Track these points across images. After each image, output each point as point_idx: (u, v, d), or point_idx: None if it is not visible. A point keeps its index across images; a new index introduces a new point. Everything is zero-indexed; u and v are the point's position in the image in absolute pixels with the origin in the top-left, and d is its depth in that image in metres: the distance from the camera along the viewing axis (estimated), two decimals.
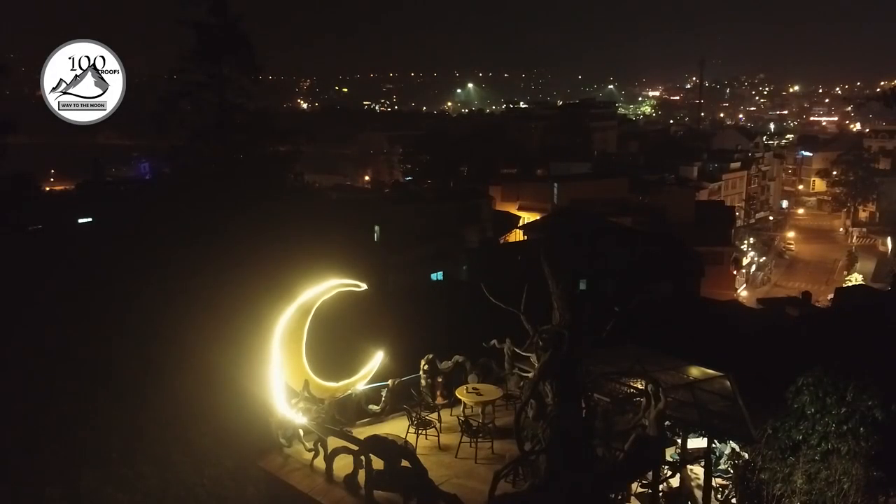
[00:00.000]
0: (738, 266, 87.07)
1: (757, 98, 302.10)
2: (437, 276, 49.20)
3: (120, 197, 48.24)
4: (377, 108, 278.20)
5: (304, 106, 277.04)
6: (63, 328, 20.66)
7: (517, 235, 65.85)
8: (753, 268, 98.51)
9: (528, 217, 73.17)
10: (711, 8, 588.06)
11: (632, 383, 17.98)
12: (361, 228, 48.66)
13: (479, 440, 16.20)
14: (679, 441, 19.11)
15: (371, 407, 17.82)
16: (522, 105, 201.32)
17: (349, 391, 17.40)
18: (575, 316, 14.80)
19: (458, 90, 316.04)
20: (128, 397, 19.23)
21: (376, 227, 50.48)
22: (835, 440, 18.33)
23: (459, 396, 17.51)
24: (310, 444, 15.82)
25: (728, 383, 19.00)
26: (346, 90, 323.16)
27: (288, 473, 15.82)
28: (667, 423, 17.58)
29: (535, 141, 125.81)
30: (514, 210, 75.46)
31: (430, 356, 18.36)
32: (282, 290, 16.82)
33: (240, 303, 21.31)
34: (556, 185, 77.65)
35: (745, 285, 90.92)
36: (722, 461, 20.62)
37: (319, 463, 15.52)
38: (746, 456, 18.99)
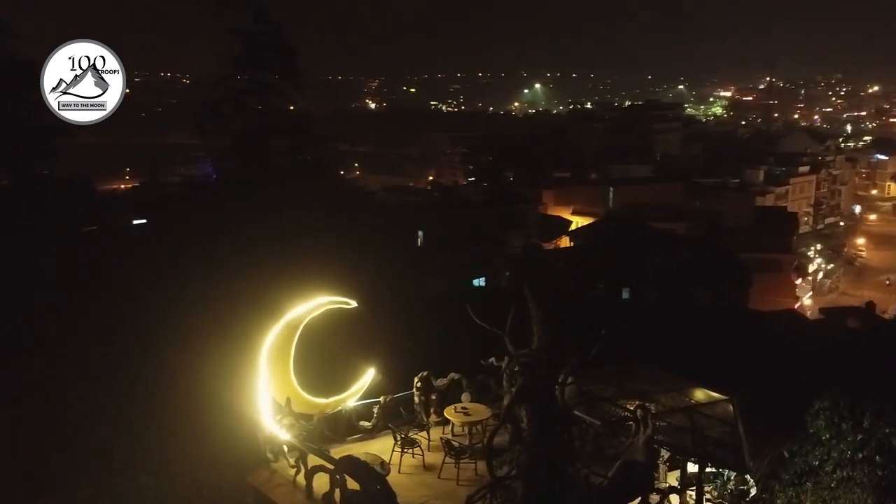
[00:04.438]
0: (802, 273, 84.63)
1: (833, 99, 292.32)
2: (479, 281, 49.04)
3: (171, 199, 49.33)
4: (444, 108, 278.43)
5: (372, 106, 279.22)
6: (77, 333, 21.13)
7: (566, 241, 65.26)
8: (820, 275, 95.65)
9: (581, 221, 72.47)
10: (788, 6, 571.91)
11: (628, 406, 17.57)
12: (405, 233, 48.79)
13: (464, 461, 16.03)
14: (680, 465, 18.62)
15: (362, 423, 17.79)
16: (588, 106, 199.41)
17: (339, 407, 17.39)
18: (554, 340, 14.52)
19: (525, 90, 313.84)
20: (135, 404, 19.62)
21: (419, 232, 50.56)
22: (850, 467, 17.72)
23: (447, 416, 17.38)
24: (293, 461, 15.88)
25: (731, 407, 18.42)
26: (413, 90, 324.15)
27: (272, 489, 15.90)
28: (663, 448, 17.24)
29: (596, 143, 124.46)
30: (566, 215, 74.80)
31: (425, 373, 18.24)
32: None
33: (259, 308, 21.50)
34: (611, 189, 76.73)
35: (810, 293, 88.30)
36: (730, 485, 20.00)
37: (302, 479, 15.56)
38: (752, 481, 18.47)
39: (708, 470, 18.62)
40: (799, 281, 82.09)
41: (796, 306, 73.60)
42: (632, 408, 16.61)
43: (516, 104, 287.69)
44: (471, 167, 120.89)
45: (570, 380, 16.68)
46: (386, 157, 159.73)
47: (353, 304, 17.04)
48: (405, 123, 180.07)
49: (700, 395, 19.17)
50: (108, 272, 25.59)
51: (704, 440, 17.25)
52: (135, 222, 48.21)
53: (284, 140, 42.83)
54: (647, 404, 16.49)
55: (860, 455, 17.68)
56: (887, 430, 17.65)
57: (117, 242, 33.54)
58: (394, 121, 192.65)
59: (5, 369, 19.47)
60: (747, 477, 18.92)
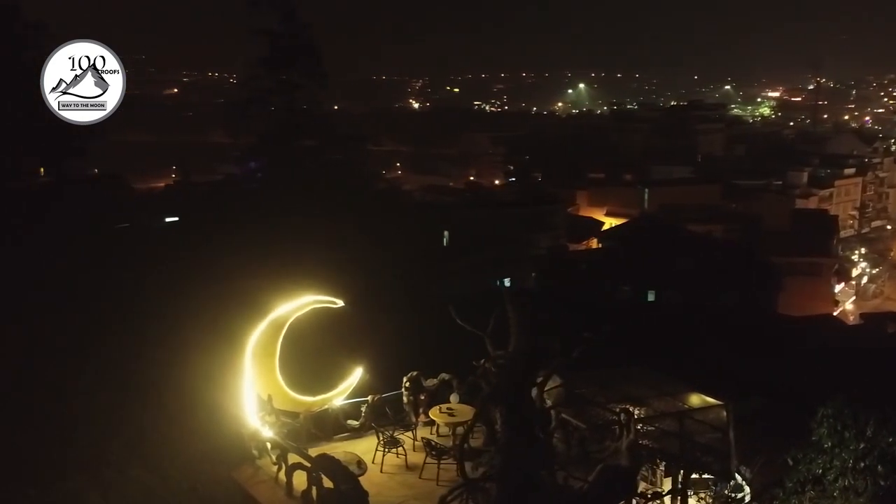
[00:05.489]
0: (844, 278, 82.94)
1: (885, 99, 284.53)
2: (505, 282, 48.84)
3: (199, 197, 50.20)
4: (487, 108, 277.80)
5: (416, 106, 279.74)
6: (77, 329, 21.51)
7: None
8: (864, 279, 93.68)
9: (614, 223, 71.89)
10: (840, 5, 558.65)
11: (618, 409, 17.34)
12: (430, 233, 48.83)
13: (445, 462, 15.96)
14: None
15: (350, 422, 17.86)
16: (632, 106, 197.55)
17: (325, 406, 17.48)
18: (530, 343, 14.37)
19: (569, 90, 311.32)
20: (133, 400, 19.90)
21: (445, 233, 50.56)
22: (852, 476, 17.33)
23: (432, 416, 17.35)
24: (275, 458, 16.01)
25: (724, 413, 18.07)
26: (457, 90, 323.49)
27: (254, 485, 16.05)
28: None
29: (637, 144, 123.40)
30: (600, 216, 74.22)
31: (415, 373, 18.18)
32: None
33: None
34: (646, 190, 75.98)
35: (853, 298, 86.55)
36: (726, 491, 19.66)
37: (283, 476, 15.68)
38: (747, 489, 18.13)
39: (706, 476, 18.36)
40: (841, 286, 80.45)
41: (837, 311, 72.16)
42: (617, 411, 16.42)
43: (560, 104, 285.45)
44: (511, 167, 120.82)
45: (558, 382, 16.62)
46: (428, 157, 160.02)
47: (340, 303, 17.11)
48: (448, 123, 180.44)
49: (695, 400, 18.84)
50: (110, 270, 26.00)
51: (693, 446, 16.97)
52: (167, 220, 49.07)
53: (311, 140, 43.30)
54: (631, 408, 16.26)
55: (862, 464, 17.29)
56: (890, 440, 17.22)
57: (123, 242, 33.99)
58: (437, 121, 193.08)
59: (6, 364, 19.94)
60: (743, 484, 18.61)
